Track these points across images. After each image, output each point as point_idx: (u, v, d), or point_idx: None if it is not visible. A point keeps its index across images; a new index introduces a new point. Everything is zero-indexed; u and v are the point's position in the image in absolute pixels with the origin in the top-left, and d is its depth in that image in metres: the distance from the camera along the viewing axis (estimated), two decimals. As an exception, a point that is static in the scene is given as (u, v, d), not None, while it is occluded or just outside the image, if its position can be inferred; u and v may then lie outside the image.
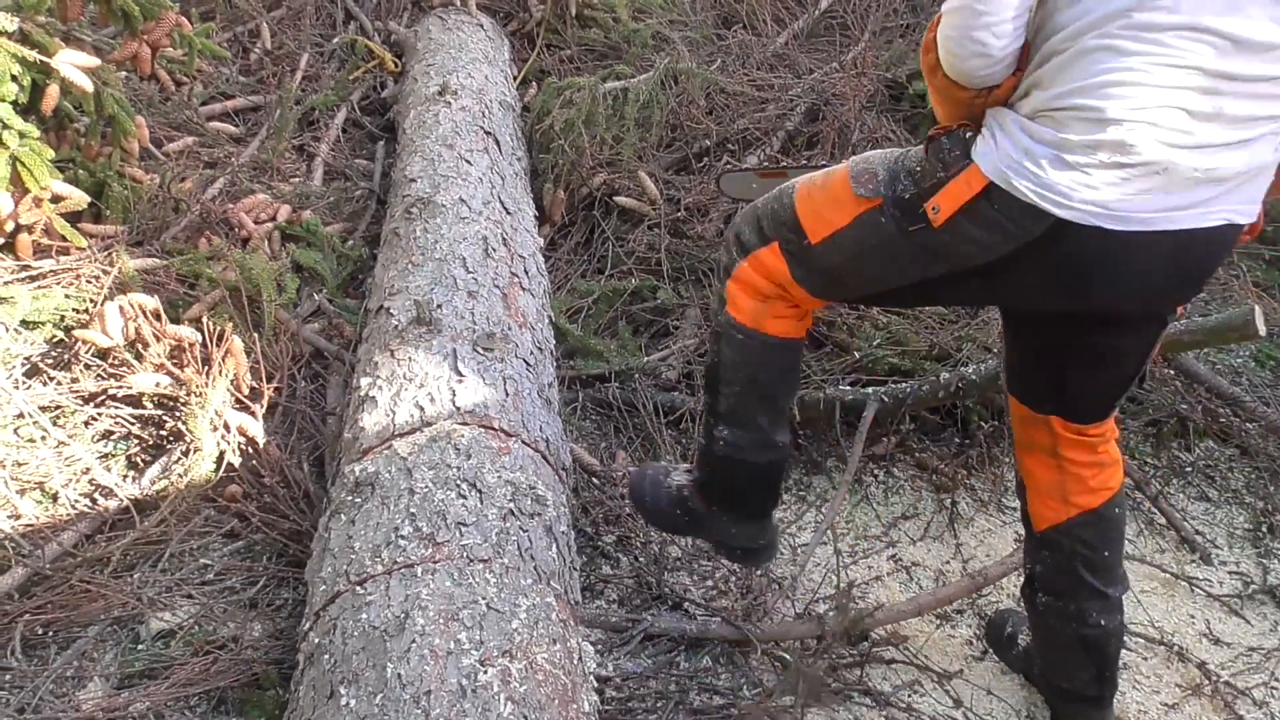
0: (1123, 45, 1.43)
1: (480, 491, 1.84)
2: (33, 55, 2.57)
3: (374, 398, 2.12)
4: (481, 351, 2.21)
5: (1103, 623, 1.93)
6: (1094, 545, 1.91)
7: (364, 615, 1.60)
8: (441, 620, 1.55)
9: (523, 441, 2.04)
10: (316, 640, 1.65)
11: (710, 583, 2.38)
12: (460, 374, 2.13)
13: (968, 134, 1.61)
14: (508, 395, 2.14)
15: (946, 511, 2.67)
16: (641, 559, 2.41)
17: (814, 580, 2.41)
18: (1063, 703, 2.06)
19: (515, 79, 4.03)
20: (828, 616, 2.20)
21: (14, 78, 2.54)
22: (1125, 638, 2.10)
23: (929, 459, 2.78)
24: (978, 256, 1.60)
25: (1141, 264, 1.54)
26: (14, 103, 2.55)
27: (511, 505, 1.84)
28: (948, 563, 2.53)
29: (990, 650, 2.29)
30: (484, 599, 1.61)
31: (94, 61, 2.67)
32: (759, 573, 2.39)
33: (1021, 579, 2.08)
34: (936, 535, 2.60)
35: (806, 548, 2.47)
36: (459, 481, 1.85)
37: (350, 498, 1.89)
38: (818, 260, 1.77)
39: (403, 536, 1.72)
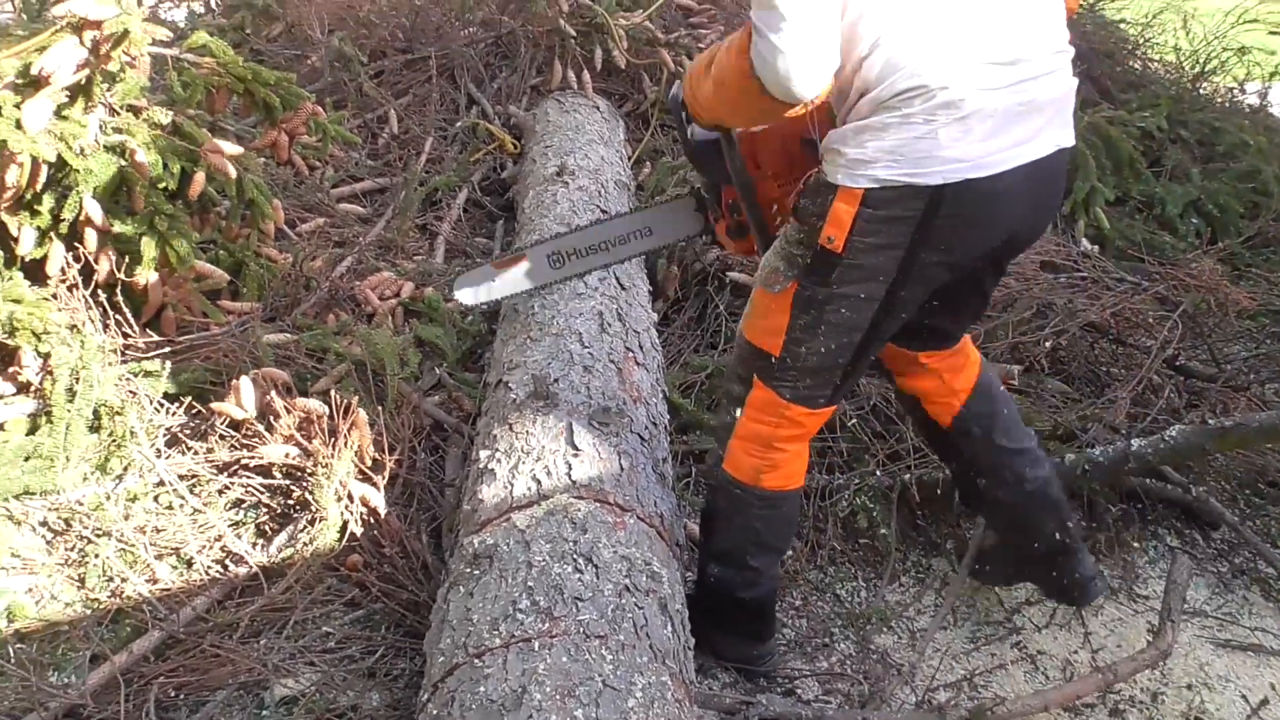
0: (914, 27, 1.62)
1: (596, 566, 1.83)
2: (183, 145, 2.75)
3: (492, 470, 2.15)
4: (597, 426, 2.23)
5: (1038, 474, 2.16)
6: (992, 413, 2.15)
7: (481, 689, 1.60)
8: (558, 696, 1.54)
9: (638, 516, 2.04)
10: (435, 712, 1.65)
11: (825, 665, 2.33)
12: (576, 448, 2.14)
13: (815, 180, 1.77)
14: (623, 469, 2.14)
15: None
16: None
17: (934, 666, 2.34)
18: (1040, 567, 2.25)
19: (630, 159, 4.12)
20: (949, 707, 2.12)
21: (166, 166, 2.71)
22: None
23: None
24: (890, 259, 1.74)
25: (1010, 200, 1.71)
26: (164, 188, 2.73)
27: (627, 581, 1.83)
28: (1075, 652, 2.43)
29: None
30: (600, 676, 1.59)
31: (237, 150, 2.83)
32: (875, 656, 2.33)
33: (958, 488, 2.35)
34: (1063, 623, 2.51)
35: (925, 633, 2.41)
36: (575, 556, 1.85)
37: (468, 570, 1.90)
38: (791, 365, 1.90)
39: (520, 610, 1.72)
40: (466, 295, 2.31)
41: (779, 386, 1.93)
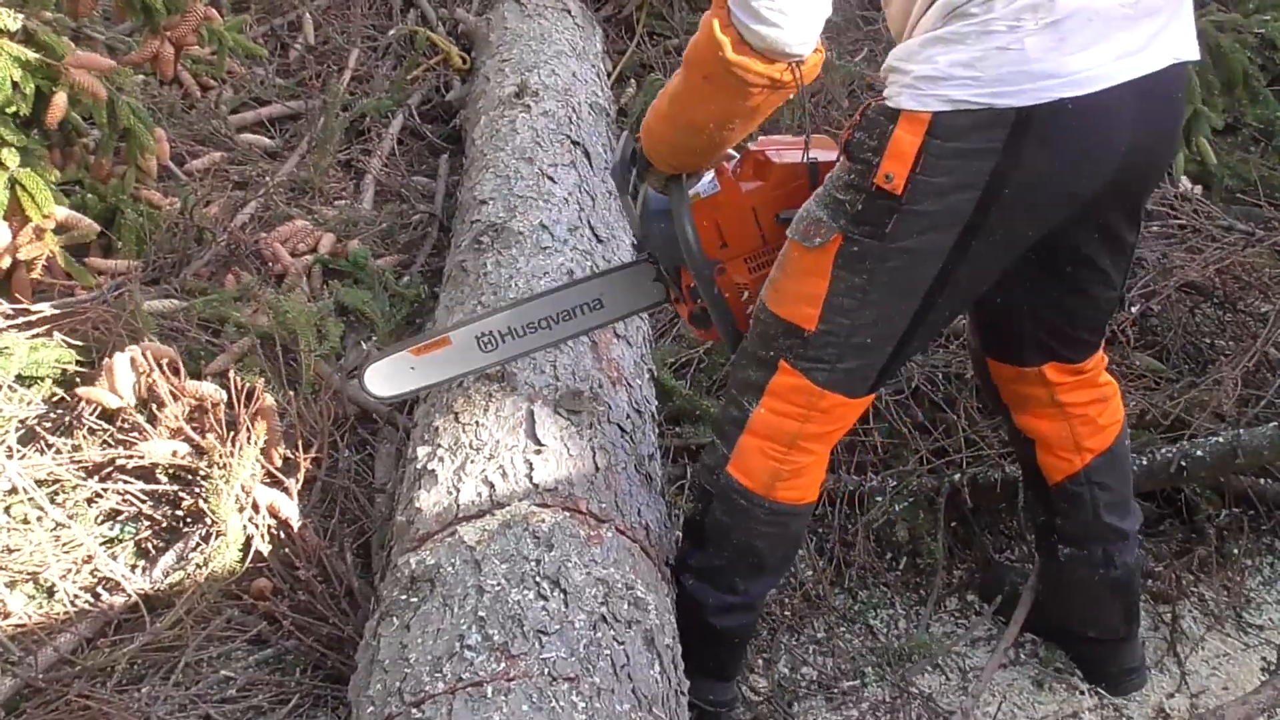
0: None
1: (565, 592, 1.83)
2: (37, 58, 2.69)
3: (433, 472, 2.15)
4: (566, 415, 2.23)
5: (1127, 561, 2.28)
6: (1111, 486, 2.24)
7: (421, 746, 1.60)
8: (516, 755, 1.55)
9: (617, 529, 2.05)
10: (361, 776, 1.67)
11: (855, 712, 2.35)
12: (539, 443, 2.15)
13: (873, 108, 1.77)
14: (598, 469, 2.15)
15: (1166, 629, 2.58)
16: (764, 680, 2.39)
17: (989, 713, 2.36)
18: (1091, 649, 2.43)
19: (610, 76, 4.10)
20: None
21: (15, 84, 2.65)
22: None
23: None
24: (963, 201, 1.74)
25: (1117, 126, 1.71)
26: (15, 114, 2.68)
27: (604, 610, 1.83)
28: (1171, 696, 2.44)
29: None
30: None
31: (108, 64, 2.80)
32: (917, 702, 2.35)
33: (1034, 536, 2.45)
34: (1154, 660, 2.52)
35: (981, 673, 2.42)
36: (538, 579, 1.84)
37: (404, 597, 1.90)
38: (830, 343, 1.90)
39: (469, 647, 1.71)
40: (379, 386, 2.32)
41: (812, 369, 1.93)
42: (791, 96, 1.83)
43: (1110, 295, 2.08)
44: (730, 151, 2.08)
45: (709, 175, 2.11)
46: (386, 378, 2.30)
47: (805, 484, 2.06)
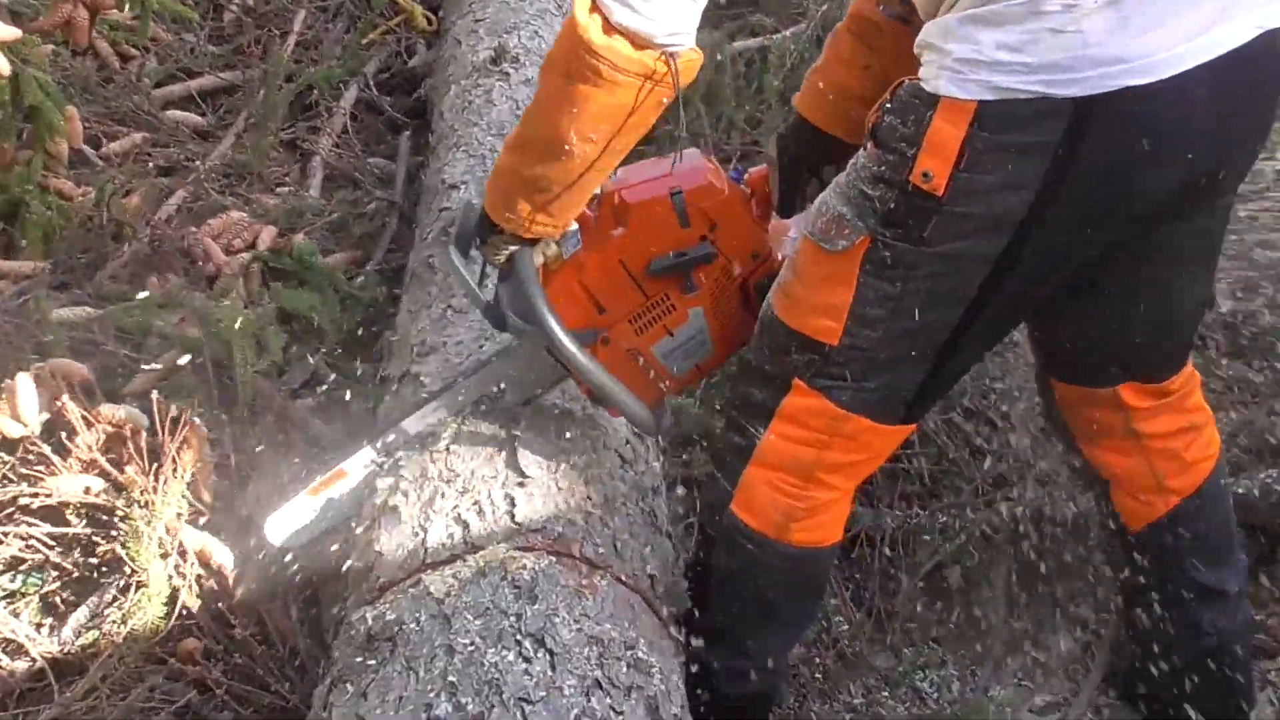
0: None
1: (552, 652, 1.81)
2: None
3: (396, 508, 2.15)
4: (554, 440, 2.23)
5: (1226, 627, 2.21)
6: (1203, 534, 2.17)
7: (381, 841, 1.60)
8: None
9: (614, 576, 2.05)
10: None
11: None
12: (523, 474, 2.15)
13: (907, 88, 1.78)
14: (593, 506, 2.15)
15: (1271, 689, 2.56)
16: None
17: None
18: None
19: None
20: None
21: None
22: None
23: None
24: (1014, 205, 1.74)
25: (1188, 116, 1.69)
26: (-99, 89, 2.70)
27: (598, 674, 1.81)
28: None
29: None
30: None
31: (13, 33, 2.78)
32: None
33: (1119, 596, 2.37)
34: (1268, 723, 2.51)
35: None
36: (520, 636, 1.82)
37: (361, 659, 1.87)
38: (855, 360, 1.90)
39: (437, 718, 1.68)
40: (284, 536, 2.36)
41: (833, 389, 1.93)
42: (666, 101, 1.86)
43: (1197, 297, 2.07)
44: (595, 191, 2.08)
45: (572, 229, 2.12)
46: (290, 526, 2.35)
47: (825, 522, 2.05)
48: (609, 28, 1.76)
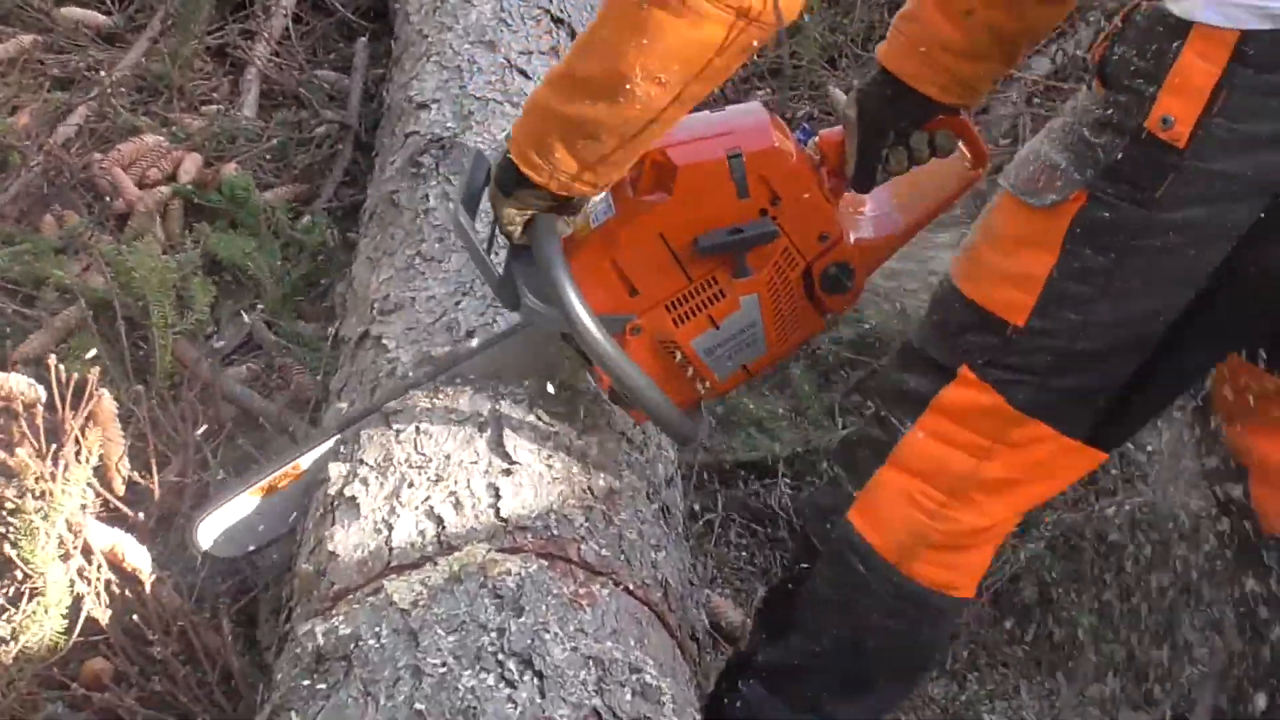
0: None
1: (541, 675, 1.76)
2: None
3: (354, 499, 2.11)
4: (548, 420, 2.18)
5: None
6: None
7: None
8: None
9: (618, 584, 2.02)
10: None
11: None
12: (510, 459, 2.11)
13: (1146, 13, 1.69)
14: (594, 499, 2.10)
15: None
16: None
17: None
18: None
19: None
20: None
21: None
22: None
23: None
24: (1276, 165, 1.64)
25: None
26: None
27: (597, 702, 1.75)
28: None
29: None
30: None
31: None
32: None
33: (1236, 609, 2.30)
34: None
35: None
36: (502, 656, 1.78)
37: (309, 682, 1.83)
38: (1043, 348, 1.82)
39: None
40: (217, 544, 2.31)
41: (1010, 383, 1.84)
42: (758, 45, 1.77)
43: None
44: None
45: (601, 196, 2.07)
46: (226, 533, 2.31)
47: (962, 563, 1.98)
48: None
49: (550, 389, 2.25)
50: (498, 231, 2.11)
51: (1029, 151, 1.84)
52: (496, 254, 2.15)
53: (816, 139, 2.17)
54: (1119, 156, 1.70)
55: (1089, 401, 1.84)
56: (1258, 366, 2.03)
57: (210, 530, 2.27)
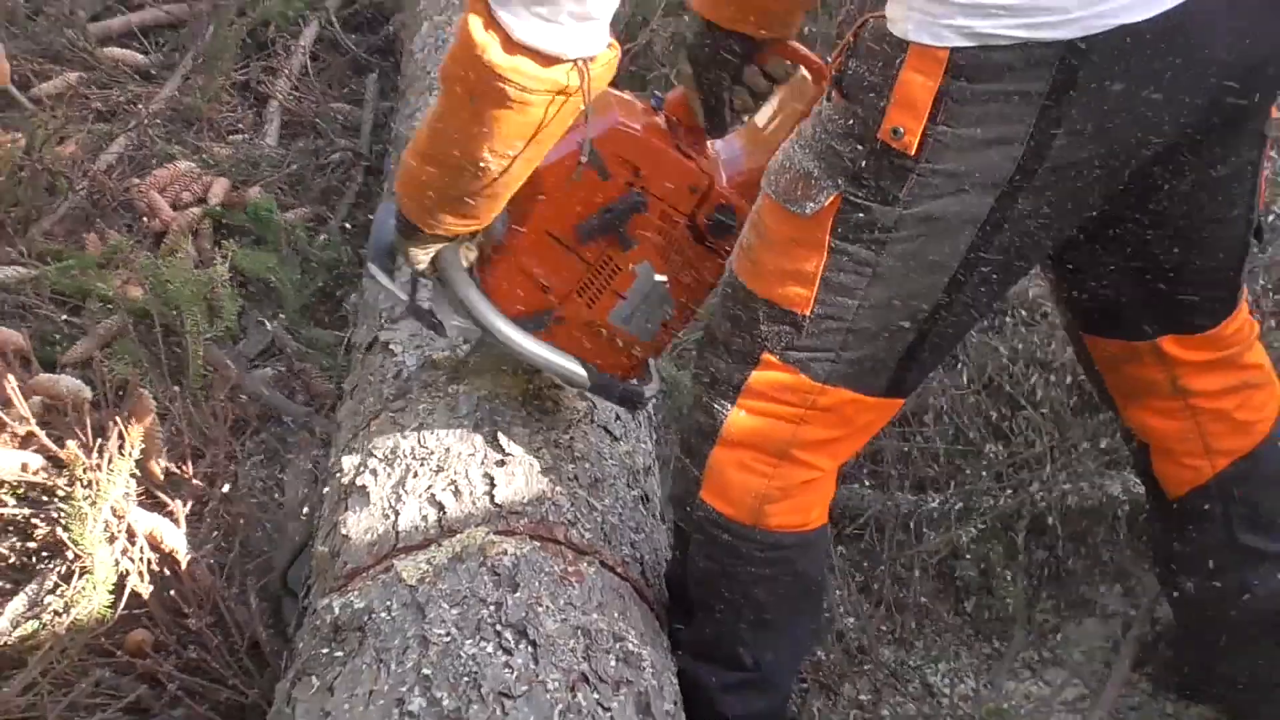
0: None
1: (534, 644, 1.82)
2: None
3: (364, 488, 2.16)
4: (538, 415, 2.26)
5: (1272, 589, 2.23)
6: (1253, 499, 2.20)
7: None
8: None
9: (602, 563, 2.07)
10: None
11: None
12: (504, 451, 2.17)
13: (871, 29, 1.75)
14: (580, 487, 2.17)
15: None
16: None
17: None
18: (1248, 703, 2.39)
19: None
20: None
21: None
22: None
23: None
24: (1000, 161, 1.71)
25: (1203, 44, 1.67)
26: None
27: (584, 667, 1.82)
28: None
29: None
30: None
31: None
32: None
33: (1158, 568, 2.42)
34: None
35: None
36: (500, 627, 1.84)
37: (327, 650, 1.88)
38: (830, 330, 1.88)
39: (411, 714, 1.70)
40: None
41: (809, 361, 1.91)
42: (584, 107, 1.84)
43: (1234, 234, 2.03)
44: None
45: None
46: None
47: (805, 504, 2.04)
48: (510, 45, 1.72)
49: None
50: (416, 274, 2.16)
51: (785, 159, 1.86)
52: (421, 292, 2.21)
53: (665, 101, 2.19)
54: (862, 164, 1.76)
55: (879, 365, 1.90)
56: (1115, 341, 2.16)
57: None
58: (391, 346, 2.47)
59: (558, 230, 2.14)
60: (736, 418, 1.96)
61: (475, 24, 1.72)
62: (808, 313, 1.87)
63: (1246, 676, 2.34)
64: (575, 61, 1.76)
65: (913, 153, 1.72)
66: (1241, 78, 1.74)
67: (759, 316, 1.92)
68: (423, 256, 2.11)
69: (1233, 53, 1.71)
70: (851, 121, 1.77)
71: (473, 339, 2.24)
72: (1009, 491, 2.76)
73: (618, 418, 2.42)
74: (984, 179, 1.73)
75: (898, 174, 1.74)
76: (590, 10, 1.71)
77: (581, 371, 2.17)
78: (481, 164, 1.88)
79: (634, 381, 2.25)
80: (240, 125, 3.68)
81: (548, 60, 1.73)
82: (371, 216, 3.02)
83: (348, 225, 3.41)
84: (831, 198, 1.80)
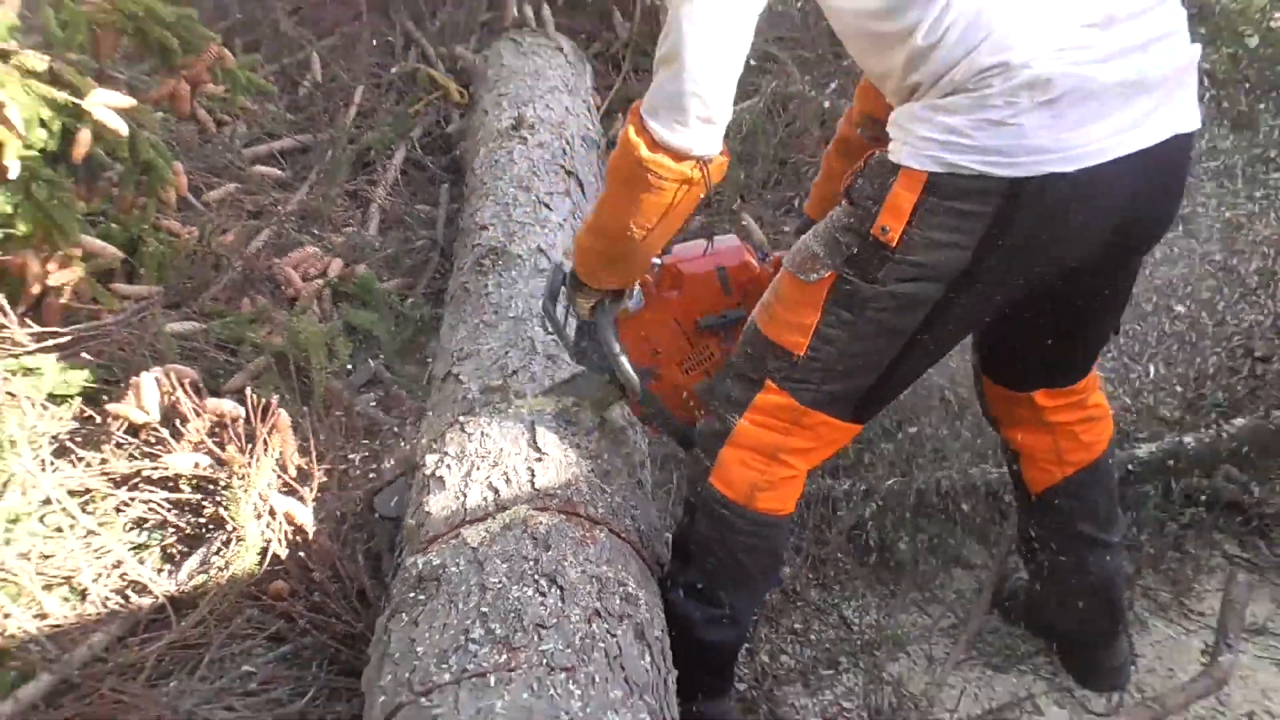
0: None
1: (561, 588, 1.84)
2: (64, 97, 2.67)
3: (441, 478, 2.17)
4: (564, 425, 2.26)
5: (1104, 568, 2.28)
6: (1092, 498, 2.24)
7: (430, 732, 1.62)
8: (519, 739, 1.56)
9: (610, 530, 2.07)
10: (376, 760, 1.68)
11: (830, 696, 2.40)
12: (541, 451, 2.18)
13: (876, 159, 1.76)
14: (594, 476, 2.18)
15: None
16: (747, 669, 2.41)
17: (954, 698, 2.40)
18: (1075, 648, 2.42)
19: (599, 109, 4.13)
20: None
21: (43, 123, 2.65)
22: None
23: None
24: (953, 260, 1.73)
25: (1112, 197, 1.70)
26: (42, 150, 2.68)
27: (598, 605, 1.84)
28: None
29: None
30: (568, 713, 1.59)
31: (129, 102, 2.79)
32: (888, 687, 2.40)
33: (1018, 543, 2.42)
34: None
35: (945, 661, 2.48)
36: (537, 576, 1.86)
37: (413, 594, 1.90)
38: (816, 368, 1.89)
39: (473, 640, 1.73)
40: (387, 507, 2.45)
41: (797, 390, 1.92)
42: (703, 195, 1.90)
43: (1102, 331, 2.11)
44: (654, 260, 2.14)
45: (636, 291, 2.17)
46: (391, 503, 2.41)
47: (783, 495, 2.04)
48: (654, 146, 1.81)
49: (591, 414, 2.32)
50: (570, 312, 2.22)
51: (802, 243, 1.89)
52: (569, 329, 2.24)
53: (770, 258, 2.23)
54: (855, 250, 1.78)
55: (849, 397, 1.91)
56: (1003, 389, 2.22)
57: (383, 504, 2.42)
58: (460, 377, 2.47)
59: (681, 318, 2.17)
60: (743, 426, 1.98)
61: (632, 131, 1.83)
62: (801, 354, 1.88)
63: (1073, 632, 2.40)
64: (698, 160, 1.83)
65: (894, 245, 1.73)
66: (1131, 227, 1.79)
67: (766, 354, 1.93)
68: (586, 306, 2.17)
69: (1128, 207, 1.74)
70: (852, 220, 1.79)
71: (600, 369, 2.25)
72: (901, 477, 2.77)
73: (623, 430, 2.40)
74: (939, 272, 1.75)
75: (880, 260, 1.76)
76: (713, 115, 1.79)
77: (666, 415, 2.23)
78: (629, 232, 1.94)
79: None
80: (350, 221, 3.69)
81: (679, 157, 1.82)
82: (444, 285, 3.04)
83: (428, 291, 3.38)
84: (830, 272, 1.82)
